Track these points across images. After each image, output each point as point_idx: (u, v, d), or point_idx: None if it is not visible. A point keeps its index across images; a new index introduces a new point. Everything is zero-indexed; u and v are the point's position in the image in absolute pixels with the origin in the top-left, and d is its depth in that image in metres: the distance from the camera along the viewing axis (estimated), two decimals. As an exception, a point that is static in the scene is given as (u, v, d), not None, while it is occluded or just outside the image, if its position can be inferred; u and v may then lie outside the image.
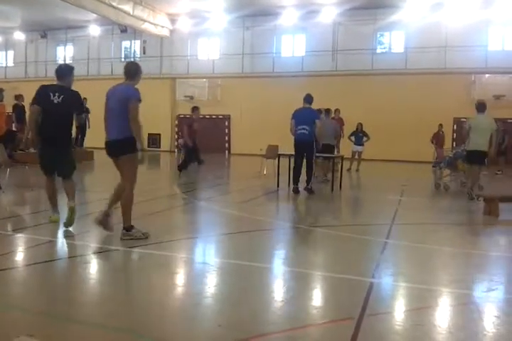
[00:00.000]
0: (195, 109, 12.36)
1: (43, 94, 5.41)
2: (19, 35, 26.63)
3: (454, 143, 17.63)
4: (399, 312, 3.46)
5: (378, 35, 21.18)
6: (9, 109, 13.41)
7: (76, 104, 5.71)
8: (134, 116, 4.90)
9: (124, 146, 4.97)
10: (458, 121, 19.28)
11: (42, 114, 5.36)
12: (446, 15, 18.72)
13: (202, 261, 4.71)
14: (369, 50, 20.41)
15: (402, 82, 19.35)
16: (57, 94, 5.38)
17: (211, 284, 3.92)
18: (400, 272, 4.40)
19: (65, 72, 5.63)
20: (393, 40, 21.03)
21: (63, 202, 5.76)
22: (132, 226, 5.10)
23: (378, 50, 21.16)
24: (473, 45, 18.65)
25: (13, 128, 13.60)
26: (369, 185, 12.25)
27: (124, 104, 4.92)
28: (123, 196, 5.11)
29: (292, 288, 3.93)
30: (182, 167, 12.07)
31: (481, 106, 8.58)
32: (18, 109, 13.74)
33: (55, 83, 5.57)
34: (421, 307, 3.46)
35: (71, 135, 5.82)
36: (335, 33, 20.84)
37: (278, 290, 3.92)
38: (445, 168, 10.51)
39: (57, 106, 5.36)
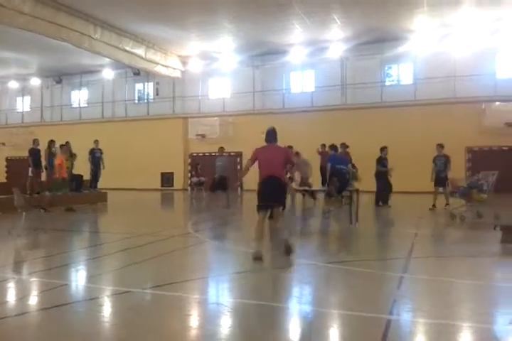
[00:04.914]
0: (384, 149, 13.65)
1: None
2: (35, 81, 27.68)
3: (468, 173, 17.43)
4: (418, 350, 3.34)
5: (386, 68, 21.51)
6: (25, 154, 13.61)
7: None
8: None
9: None
10: (471, 150, 19.19)
11: None
12: (453, 44, 18.98)
13: (215, 301, 4.63)
14: (378, 83, 20.69)
15: (411, 113, 19.45)
16: None
17: (225, 325, 3.84)
18: (418, 307, 4.27)
19: None
20: (401, 72, 21.34)
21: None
22: None
23: (387, 83, 21.45)
24: (482, 73, 18.81)
25: (29, 173, 13.43)
26: (385, 218, 12.08)
27: None
28: None
29: (308, 327, 3.83)
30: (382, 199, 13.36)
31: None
32: (35, 153, 13.58)
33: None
34: (441, 345, 3.34)
35: None
36: (343, 67, 21.20)
37: (293, 330, 3.82)
38: (459, 197, 10.37)
39: None
